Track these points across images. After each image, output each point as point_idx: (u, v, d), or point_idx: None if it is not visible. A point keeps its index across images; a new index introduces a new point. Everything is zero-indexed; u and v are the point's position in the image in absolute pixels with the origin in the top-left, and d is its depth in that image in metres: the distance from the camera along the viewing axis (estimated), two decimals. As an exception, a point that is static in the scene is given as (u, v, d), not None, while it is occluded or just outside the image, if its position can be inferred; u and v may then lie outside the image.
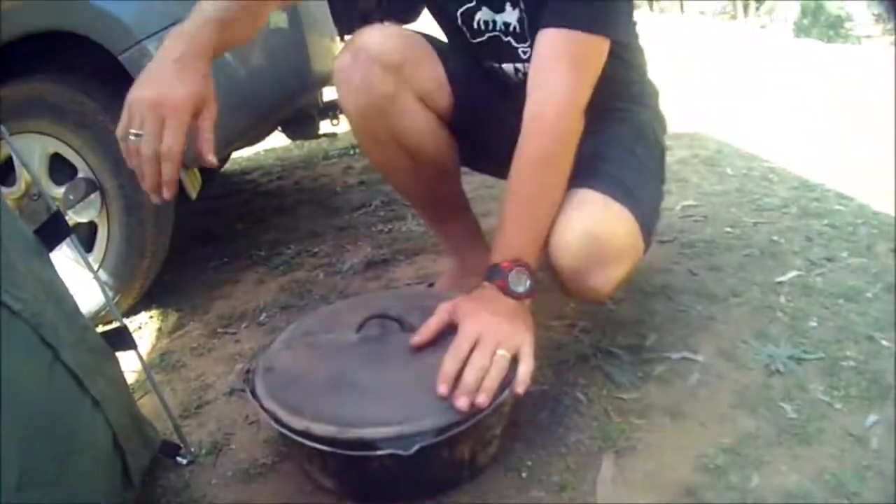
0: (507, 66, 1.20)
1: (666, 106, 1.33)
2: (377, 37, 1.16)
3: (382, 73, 1.14)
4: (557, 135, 0.99)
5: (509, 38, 1.16)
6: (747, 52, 6.99)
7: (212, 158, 0.92)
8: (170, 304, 1.77)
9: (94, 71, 1.67)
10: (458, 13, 1.18)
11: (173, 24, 1.51)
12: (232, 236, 2.26)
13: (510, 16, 1.14)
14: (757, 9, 29.78)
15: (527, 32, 1.14)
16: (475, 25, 1.18)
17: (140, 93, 0.90)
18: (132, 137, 0.89)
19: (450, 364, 0.88)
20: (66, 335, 0.86)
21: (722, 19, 28.16)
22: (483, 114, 1.25)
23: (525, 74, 1.14)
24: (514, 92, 1.17)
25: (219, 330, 1.57)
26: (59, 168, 1.69)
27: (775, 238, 1.70)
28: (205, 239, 2.23)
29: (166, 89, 0.89)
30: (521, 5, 1.12)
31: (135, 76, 1.22)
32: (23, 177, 1.65)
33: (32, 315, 0.79)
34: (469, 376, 0.87)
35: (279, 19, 1.77)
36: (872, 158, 2.74)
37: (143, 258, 1.71)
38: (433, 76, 1.21)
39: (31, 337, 0.79)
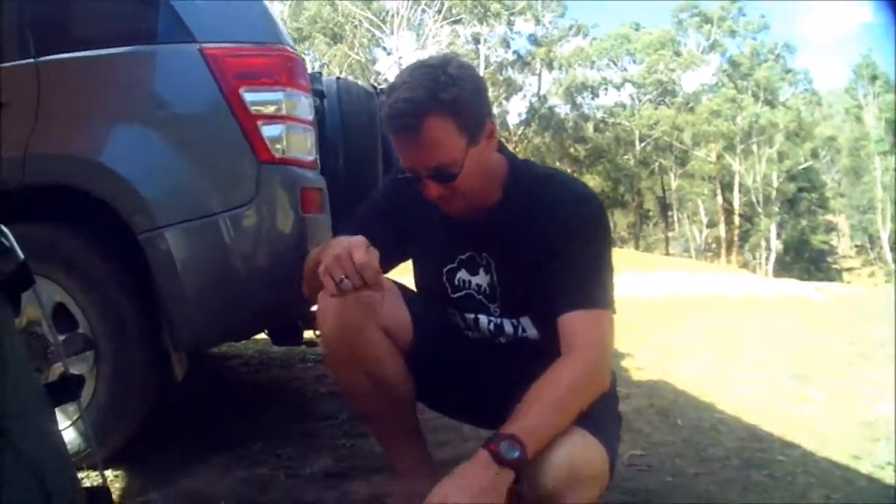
0: (482, 318, 1.41)
1: (637, 353, 1.47)
2: None
3: (355, 305, 1.31)
4: (593, 374, 1.20)
5: (481, 297, 1.39)
6: (724, 294, 7.31)
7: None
8: (135, 468, 1.78)
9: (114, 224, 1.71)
10: (444, 271, 1.41)
11: (200, 217, 1.67)
12: (204, 418, 2.28)
13: (482, 279, 1.38)
14: (741, 247, 30.47)
15: (497, 294, 1.37)
16: (456, 282, 1.40)
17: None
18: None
19: None
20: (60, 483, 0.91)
21: (705, 257, 29.23)
22: (441, 360, 1.43)
23: (496, 326, 1.39)
24: (479, 345, 1.43)
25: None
26: (61, 317, 1.73)
27: (712, 489, 1.78)
28: (179, 414, 2.24)
29: None
30: (493, 274, 1.36)
31: (151, 259, 1.54)
32: (27, 313, 1.67)
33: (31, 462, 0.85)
34: None
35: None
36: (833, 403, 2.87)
37: (121, 421, 1.74)
38: (398, 317, 1.39)
39: (31, 485, 0.84)
